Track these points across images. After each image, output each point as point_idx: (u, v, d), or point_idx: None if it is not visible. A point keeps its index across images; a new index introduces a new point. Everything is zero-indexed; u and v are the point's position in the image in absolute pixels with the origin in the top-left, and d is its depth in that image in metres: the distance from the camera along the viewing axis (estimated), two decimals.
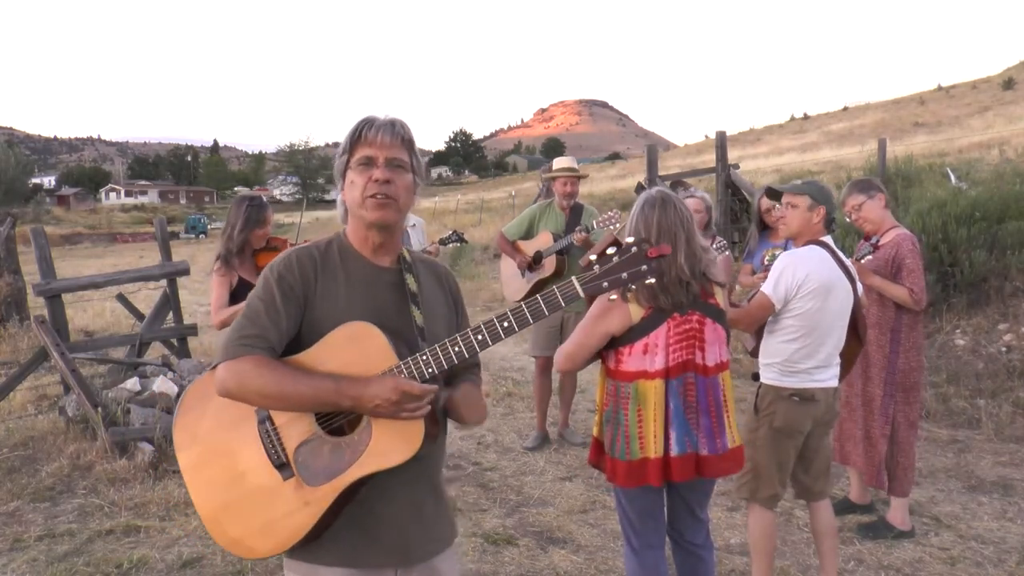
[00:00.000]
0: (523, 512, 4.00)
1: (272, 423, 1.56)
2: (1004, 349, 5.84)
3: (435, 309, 1.73)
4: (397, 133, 1.62)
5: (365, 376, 1.51)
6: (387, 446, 1.53)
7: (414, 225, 4.74)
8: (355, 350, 1.55)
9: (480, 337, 1.56)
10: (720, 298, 2.43)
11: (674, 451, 2.33)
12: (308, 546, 1.57)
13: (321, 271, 1.63)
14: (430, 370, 1.55)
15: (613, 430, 2.38)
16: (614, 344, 2.35)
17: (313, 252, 1.65)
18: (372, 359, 1.55)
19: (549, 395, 5.17)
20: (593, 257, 1.53)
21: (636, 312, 2.30)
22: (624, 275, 1.55)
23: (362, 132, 1.61)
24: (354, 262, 1.66)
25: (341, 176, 1.66)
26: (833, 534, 2.96)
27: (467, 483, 4.45)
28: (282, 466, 1.55)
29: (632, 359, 2.32)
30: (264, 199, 3.69)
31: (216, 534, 1.58)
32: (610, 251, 1.54)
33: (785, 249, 3.57)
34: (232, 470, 1.58)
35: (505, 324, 1.55)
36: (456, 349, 1.56)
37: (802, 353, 2.80)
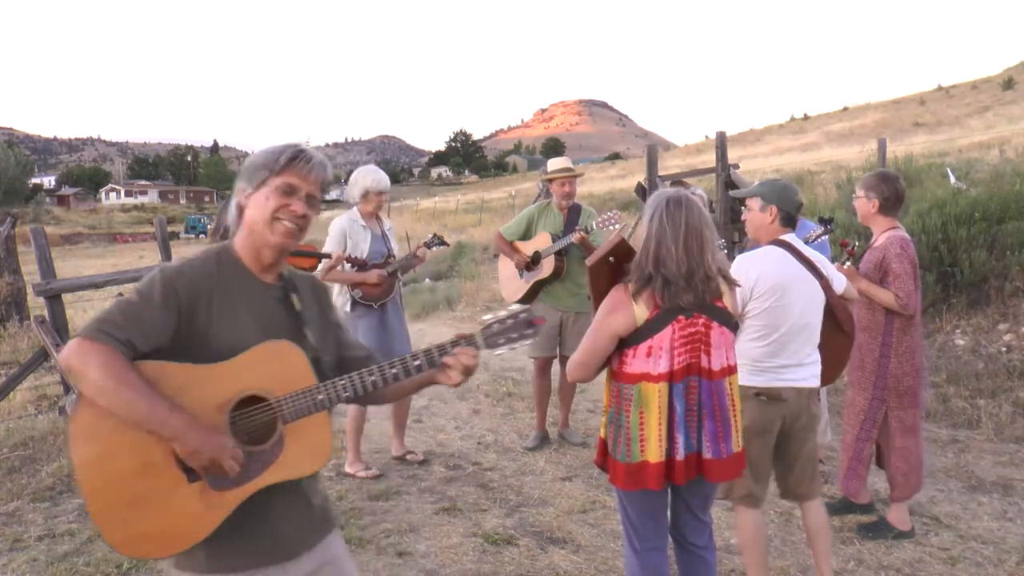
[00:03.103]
0: (523, 512, 4.00)
1: None
2: (1004, 349, 5.84)
3: (317, 326, 1.79)
4: (326, 176, 1.72)
5: (206, 420, 1.54)
6: (298, 458, 1.62)
7: (390, 228, 4.73)
8: (278, 367, 1.63)
9: (395, 371, 1.69)
10: (728, 301, 2.41)
11: (679, 455, 2.32)
12: (196, 554, 1.58)
13: (218, 287, 1.63)
14: (347, 394, 1.65)
15: (615, 432, 2.37)
16: (620, 346, 2.35)
17: (210, 266, 1.65)
18: (292, 378, 1.62)
19: (548, 395, 5.16)
20: (488, 318, 1.72)
21: (641, 314, 2.29)
22: (515, 335, 1.75)
23: (297, 161, 1.66)
24: (246, 279, 1.68)
25: (253, 186, 1.67)
26: (826, 532, 2.97)
27: (467, 483, 4.44)
28: (189, 469, 1.54)
29: (636, 361, 2.31)
30: None
31: (108, 531, 1.51)
32: (502, 314, 1.76)
33: None
34: (136, 469, 1.52)
35: (416, 363, 1.69)
36: (373, 378, 1.67)
37: (766, 351, 2.81)
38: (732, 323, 2.41)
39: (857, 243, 3.59)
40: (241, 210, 1.70)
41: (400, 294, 4.71)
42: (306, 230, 1.71)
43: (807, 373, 2.86)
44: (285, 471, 1.61)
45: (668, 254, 2.27)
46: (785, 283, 2.78)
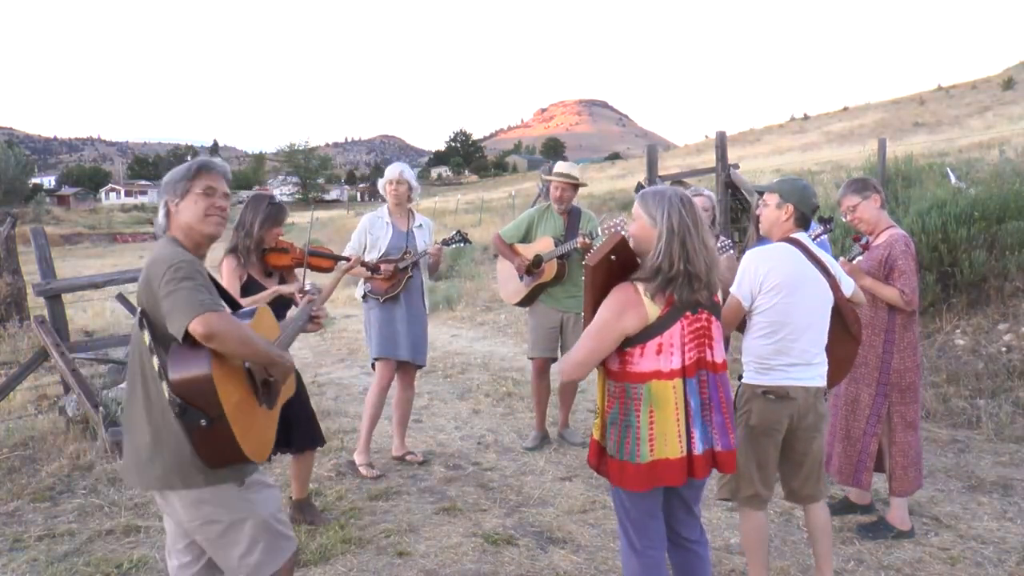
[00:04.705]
0: (523, 512, 4.00)
1: (247, 367, 2.19)
2: (1004, 349, 5.84)
3: None
4: (229, 177, 2.35)
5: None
6: (289, 385, 2.46)
7: (420, 225, 4.74)
8: (270, 322, 2.44)
9: (300, 323, 2.72)
10: (720, 295, 2.45)
11: (698, 449, 2.32)
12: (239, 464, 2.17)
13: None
14: (287, 342, 2.55)
15: (620, 432, 2.34)
16: (622, 344, 2.32)
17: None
18: (274, 329, 2.47)
19: (547, 395, 5.16)
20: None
21: (653, 311, 2.27)
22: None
23: (204, 169, 2.25)
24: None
25: (179, 195, 2.21)
26: (828, 534, 2.96)
27: (467, 483, 4.45)
28: (259, 398, 2.24)
29: (645, 359, 2.29)
30: (277, 198, 3.73)
31: (245, 445, 2.07)
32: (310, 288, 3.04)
33: None
34: (244, 397, 2.15)
35: (305, 318, 2.75)
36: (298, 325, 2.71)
37: (773, 349, 2.81)
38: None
39: (868, 238, 3.60)
40: (169, 215, 2.23)
41: (422, 290, 4.70)
42: (227, 219, 2.32)
43: (815, 373, 2.86)
44: (286, 392, 2.44)
45: (695, 251, 2.27)
46: (794, 281, 2.79)
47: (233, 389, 2.08)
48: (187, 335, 1.98)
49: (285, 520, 2.36)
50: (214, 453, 2.06)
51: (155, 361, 2.06)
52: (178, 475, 2.11)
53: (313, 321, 2.74)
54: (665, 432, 2.29)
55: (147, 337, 2.08)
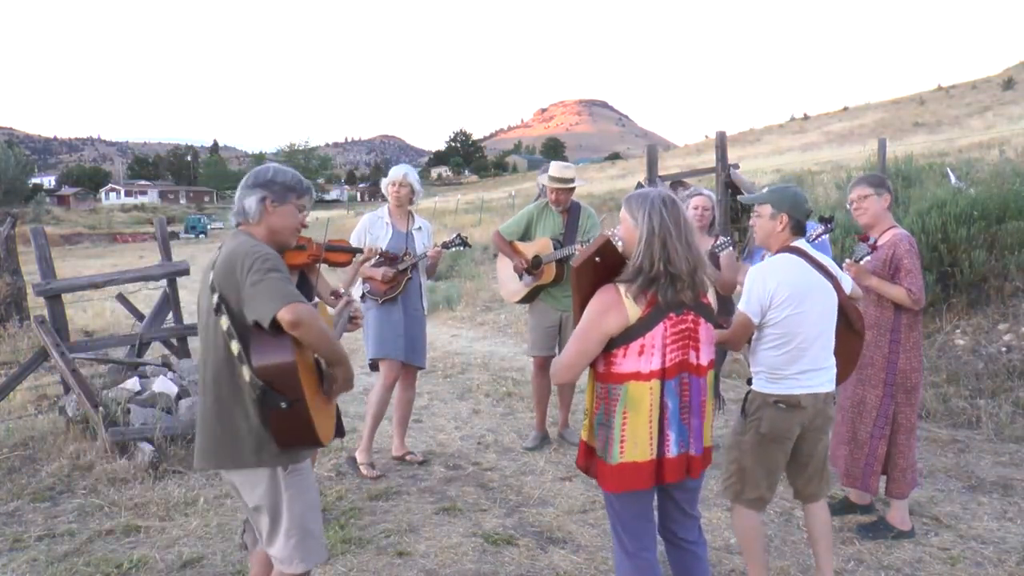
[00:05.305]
0: (523, 512, 4.00)
1: (316, 358, 2.33)
2: (1004, 349, 5.84)
3: None
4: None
5: None
6: (343, 383, 2.45)
7: (420, 228, 4.74)
8: (327, 322, 2.54)
9: (343, 319, 2.79)
10: (711, 297, 2.44)
11: (671, 452, 2.32)
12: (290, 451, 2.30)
13: None
14: (341, 334, 2.69)
15: (605, 433, 2.34)
16: (608, 346, 2.32)
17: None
18: (329, 324, 2.56)
19: (548, 395, 5.16)
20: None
21: (634, 312, 2.27)
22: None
23: (308, 191, 2.48)
24: None
25: (280, 201, 2.37)
26: (828, 534, 2.96)
27: (467, 483, 4.45)
28: (323, 388, 2.36)
29: (627, 360, 2.29)
30: None
31: (318, 426, 2.21)
32: (355, 291, 3.09)
33: None
34: (315, 386, 2.29)
35: (347, 316, 2.81)
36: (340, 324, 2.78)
37: (785, 359, 2.80)
38: (714, 319, 2.43)
39: (875, 239, 3.58)
40: (265, 212, 2.35)
41: (421, 293, 4.70)
42: None
43: (825, 378, 2.86)
44: (343, 386, 2.45)
45: (675, 252, 2.26)
46: (803, 291, 2.79)
47: (307, 376, 2.22)
48: (273, 322, 2.07)
49: (319, 522, 2.40)
50: (290, 434, 2.19)
51: (235, 345, 2.15)
52: (230, 455, 2.23)
53: (352, 322, 2.83)
54: (636, 435, 2.29)
55: (226, 322, 2.17)
